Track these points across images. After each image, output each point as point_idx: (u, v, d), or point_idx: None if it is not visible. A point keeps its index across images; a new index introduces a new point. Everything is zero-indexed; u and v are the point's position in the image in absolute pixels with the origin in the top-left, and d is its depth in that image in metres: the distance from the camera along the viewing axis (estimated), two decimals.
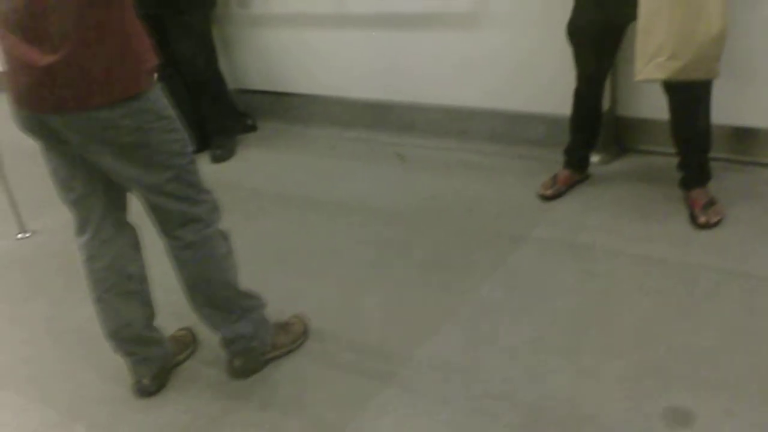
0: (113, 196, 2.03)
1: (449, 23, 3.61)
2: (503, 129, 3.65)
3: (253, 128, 4.46)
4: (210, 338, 2.30)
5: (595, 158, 3.20)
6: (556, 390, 2.03)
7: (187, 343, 2.43)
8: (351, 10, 3.89)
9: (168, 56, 3.62)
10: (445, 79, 3.75)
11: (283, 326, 2.37)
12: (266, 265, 2.84)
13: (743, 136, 3.04)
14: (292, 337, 2.36)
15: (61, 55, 1.66)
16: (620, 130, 3.32)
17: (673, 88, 2.60)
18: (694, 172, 2.78)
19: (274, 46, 4.31)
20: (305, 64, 4.24)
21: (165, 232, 2.03)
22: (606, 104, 3.08)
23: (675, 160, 2.82)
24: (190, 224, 2.00)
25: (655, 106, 2.85)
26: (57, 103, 1.73)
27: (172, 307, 2.30)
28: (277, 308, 2.37)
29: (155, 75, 1.85)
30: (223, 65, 4.23)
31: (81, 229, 2.06)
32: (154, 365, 2.26)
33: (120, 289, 2.11)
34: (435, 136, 3.84)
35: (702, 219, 2.66)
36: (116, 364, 2.27)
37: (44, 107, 1.76)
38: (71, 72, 1.69)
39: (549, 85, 3.31)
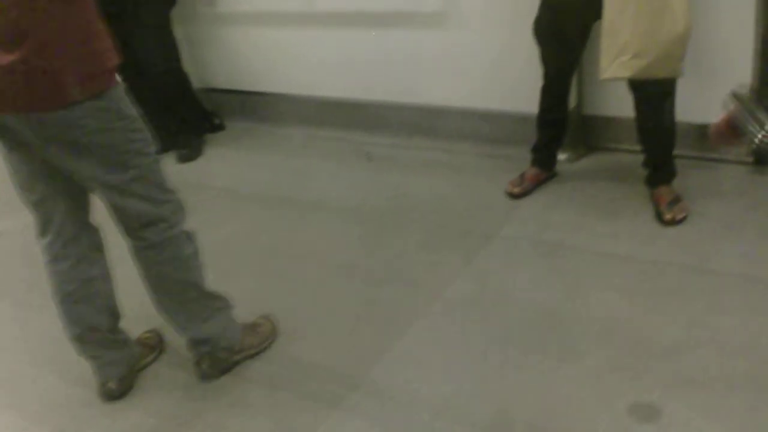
0: (75, 197, 2.00)
1: (419, 22, 3.61)
2: (471, 127, 3.66)
3: (220, 127, 4.43)
4: (177, 340, 2.28)
5: (562, 156, 3.22)
6: (524, 387, 2.04)
7: (154, 345, 2.40)
8: (320, 8, 3.88)
9: (130, 55, 3.58)
10: (414, 78, 3.75)
11: (252, 327, 2.35)
12: (234, 265, 2.82)
13: (708, 134, 3.07)
14: (261, 338, 2.34)
15: (20, 54, 1.63)
16: (587, 128, 3.34)
17: (638, 87, 2.63)
18: (660, 169, 2.80)
19: (242, 44, 4.28)
20: (274, 62, 4.22)
21: (128, 233, 2.00)
22: (572, 102, 3.10)
23: (641, 158, 2.84)
24: (153, 225, 1.97)
25: (621, 104, 2.88)
26: (15, 104, 1.70)
27: (137, 309, 2.27)
28: (245, 309, 2.35)
29: (117, 74, 1.82)
30: (190, 64, 4.19)
31: (43, 231, 2.03)
32: (120, 368, 2.23)
33: (84, 291, 2.08)
34: (404, 134, 3.84)
35: (667, 216, 2.69)
36: (81, 367, 2.24)
37: (3, 107, 1.72)
38: (31, 71, 1.65)
39: (517, 83, 3.32)
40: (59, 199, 1.98)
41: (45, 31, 1.64)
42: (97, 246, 2.11)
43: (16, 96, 1.70)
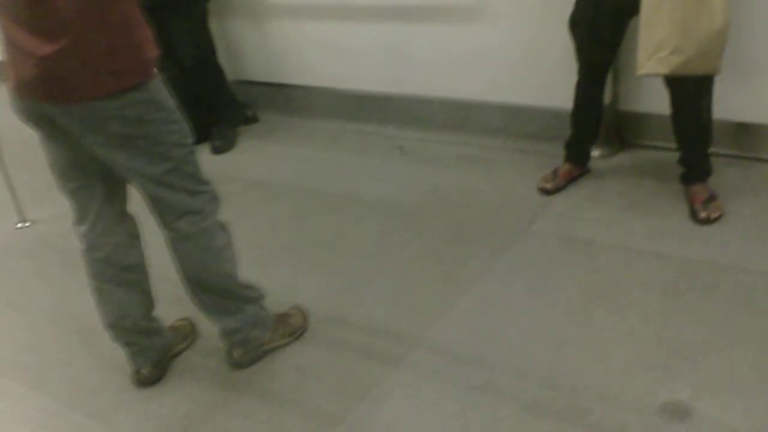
0: (112, 186, 2.02)
1: (452, 16, 3.60)
2: (504, 122, 3.64)
3: (254, 120, 4.46)
4: (209, 328, 2.31)
5: (595, 152, 3.20)
6: (554, 383, 2.03)
7: (187, 333, 2.43)
8: (353, 2, 3.88)
9: (167, 47, 3.62)
10: (446, 71, 3.74)
11: (283, 317, 2.37)
12: (266, 256, 2.85)
13: (744, 132, 3.04)
14: (292, 328, 2.36)
15: (62, 44, 1.65)
16: (621, 125, 3.31)
17: (675, 83, 2.60)
18: (695, 167, 2.77)
19: (276, 38, 4.30)
20: (307, 55, 4.23)
21: (164, 224, 2.03)
22: (607, 98, 3.07)
23: (676, 155, 2.81)
24: (188, 216, 2.00)
25: (657, 101, 2.85)
26: (57, 93, 1.73)
27: (171, 296, 2.30)
28: (276, 299, 2.37)
29: (155, 66, 1.84)
30: (225, 56, 4.22)
31: (80, 219, 2.06)
32: (154, 355, 2.26)
33: (119, 280, 2.11)
34: (436, 129, 3.84)
35: (702, 214, 2.66)
36: (116, 353, 2.27)
37: (44, 97, 1.75)
38: (72, 61, 1.68)
39: (550, 78, 3.30)
40: (96, 188, 2.01)
41: (86, 21, 1.66)
42: (133, 234, 2.14)
43: (56, 86, 1.72)
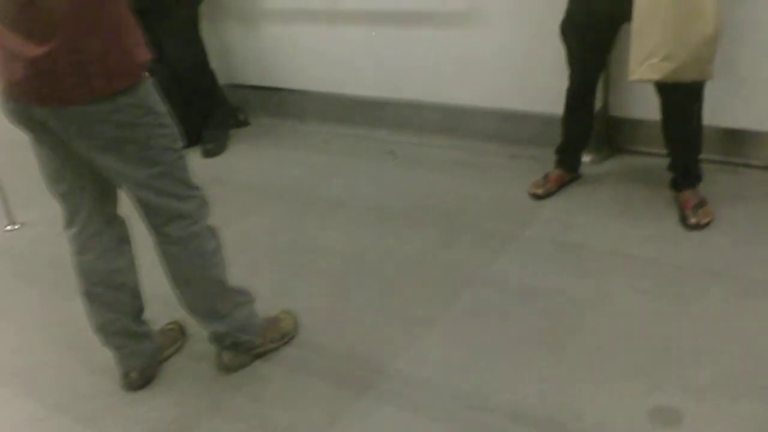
0: (102, 189, 2.01)
1: (444, 21, 3.61)
2: (496, 128, 3.65)
3: (245, 123, 4.45)
4: (199, 332, 2.30)
5: (586, 158, 3.21)
6: (542, 390, 2.03)
7: (176, 337, 2.42)
8: (345, 6, 3.88)
9: (158, 51, 3.61)
10: (439, 77, 3.74)
11: (273, 321, 2.36)
12: (256, 260, 2.84)
13: (734, 138, 3.05)
14: (282, 332, 2.36)
15: (52, 46, 1.65)
16: (612, 131, 3.32)
17: (666, 89, 2.61)
18: (685, 173, 2.78)
19: (267, 42, 4.30)
20: (299, 59, 4.23)
21: (153, 228, 2.02)
22: (598, 104, 3.09)
23: (666, 161, 2.82)
24: (177, 220, 1.99)
25: (647, 107, 2.86)
26: (46, 96, 1.72)
27: (161, 300, 2.29)
28: (266, 304, 2.36)
29: (146, 69, 1.84)
30: (217, 60, 4.21)
31: (70, 222, 2.05)
32: (143, 359, 2.25)
33: (108, 283, 2.10)
34: (428, 133, 3.84)
35: (692, 220, 2.67)
36: (105, 357, 2.26)
37: (33, 99, 1.74)
38: (62, 64, 1.67)
39: (542, 84, 3.31)
40: (87, 191, 2.00)
41: (77, 24, 1.66)
42: (123, 238, 2.13)
43: (45, 88, 1.71)
